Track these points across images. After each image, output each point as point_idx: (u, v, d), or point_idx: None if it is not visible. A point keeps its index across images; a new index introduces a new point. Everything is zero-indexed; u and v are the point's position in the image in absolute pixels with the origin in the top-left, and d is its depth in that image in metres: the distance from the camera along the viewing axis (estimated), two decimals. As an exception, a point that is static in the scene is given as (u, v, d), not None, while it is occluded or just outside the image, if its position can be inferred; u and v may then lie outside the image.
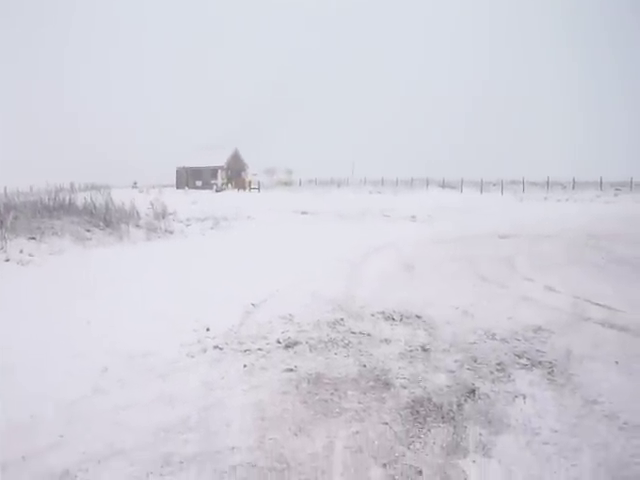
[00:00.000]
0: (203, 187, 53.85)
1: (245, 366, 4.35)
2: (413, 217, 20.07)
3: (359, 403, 3.64)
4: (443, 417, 3.43)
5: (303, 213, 22.12)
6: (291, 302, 6.41)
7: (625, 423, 3.32)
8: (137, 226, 13.40)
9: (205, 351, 4.72)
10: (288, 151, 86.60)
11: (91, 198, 13.48)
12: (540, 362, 4.41)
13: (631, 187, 41.88)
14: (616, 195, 36.69)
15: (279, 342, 4.94)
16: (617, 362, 4.38)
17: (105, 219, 12.63)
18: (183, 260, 9.79)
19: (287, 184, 56.95)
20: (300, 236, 14.06)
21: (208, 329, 5.27)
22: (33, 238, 10.13)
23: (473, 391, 3.81)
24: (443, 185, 46.70)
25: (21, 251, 9.26)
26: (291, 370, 4.26)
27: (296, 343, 4.90)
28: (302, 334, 5.18)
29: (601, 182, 43.03)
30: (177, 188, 53.33)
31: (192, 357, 4.59)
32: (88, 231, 11.76)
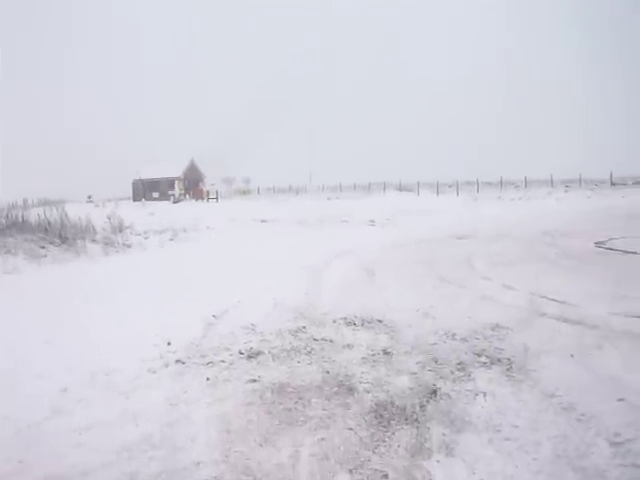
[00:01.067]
0: (160, 198, 53.30)
1: (208, 379, 4.31)
2: (372, 221, 20.23)
3: (323, 410, 3.65)
4: (407, 419, 3.47)
5: (262, 221, 22.06)
6: (253, 312, 6.37)
7: (582, 414, 3.42)
8: (94, 241, 13.12)
9: (167, 366, 4.66)
10: (245, 160, 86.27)
11: (45, 214, 13.15)
12: (499, 359, 4.50)
13: (580, 183, 43.45)
14: (566, 192, 37.98)
15: (242, 353, 4.91)
16: (572, 355, 4.51)
17: (60, 235, 12.32)
18: (141, 274, 9.65)
19: (245, 193, 56.90)
20: (260, 245, 14.02)
21: (169, 343, 5.20)
22: (-16, 258, 9.84)
23: (435, 392, 3.86)
24: (400, 188, 47.27)
25: (-28, 271, 8.99)
26: (255, 381, 4.24)
27: (259, 353, 4.88)
28: (265, 344, 5.17)
29: (552, 180, 44.47)
30: (134, 200, 52.59)
31: (154, 372, 4.52)
32: (43, 248, 11.45)
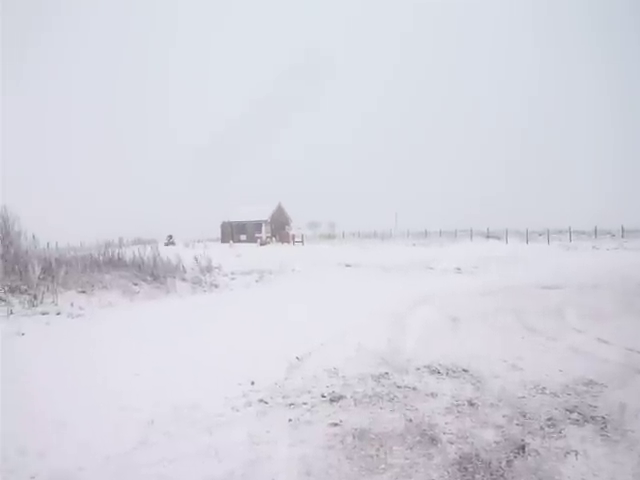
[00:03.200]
0: (247, 241, 54.72)
1: (290, 420, 4.34)
2: (458, 269, 19.84)
3: (405, 459, 3.59)
4: (492, 474, 3.35)
5: (347, 266, 22.12)
6: (336, 355, 6.39)
7: (684, 481, 3.18)
8: (183, 280, 13.66)
9: (250, 405, 4.74)
10: (331, 204, 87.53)
11: (139, 252, 13.86)
12: (592, 417, 4.27)
13: (685, 234, 40.75)
14: (671, 242, 35.66)
15: (324, 396, 4.93)
16: (675, 417, 4.21)
17: (152, 273, 12.94)
18: (228, 313, 9.90)
19: (330, 237, 57.38)
20: (344, 289, 14.05)
21: (253, 383, 5.30)
22: (83, 292, 10.47)
23: (523, 447, 3.71)
24: (487, 236, 46.21)
25: (72, 304, 9.57)
26: (336, 425, 4.23)
27: (341, 397, 4.88)
28: (347, 388, 5.16)
29: (651, 229, 42.00)
30: (222, 242, 54.20)
31: (237, 411, 4.61)
32: (136, 285, 12.06)
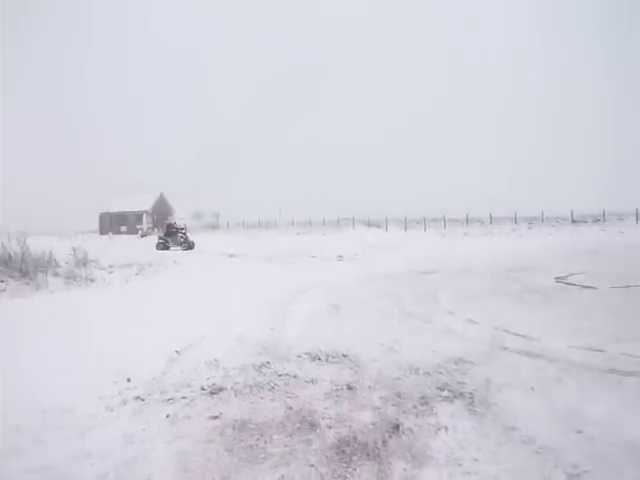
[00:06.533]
0: (128, 232, 52.85)
1: (168, 416, 4.22)
2: (340, 257, 20.29)
3: (285, 447, 3.60)
4: (369, 454, 3.44)
5: (231, 256, 21.95)
6: (217, 347, 6.29)
7: (541, 447, 3.45)
8: (56, 275, 12.85)
9: (126, 403, 4.55)
10: (215, 195, 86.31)
11: (2, 246, 12.82)
12: (461, 393, 4.51)
13: (542, 220, 44.66)
14: (529, 228, 39.11)
15: (204, 389, 4.83)
16: (533, 388, 4.56)
17: (21, 269, 12.06)
18: (104, 309, 9.45)
19: (215, 227, 56.77)
20: (227, 279, 13.92)
21: (129, 380, 5.09)
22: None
23: (397, 426, 3.85)
24: (369, 224, 47.70)
25: None
26: (216, 417, 4.17)
27: (221, 389, 4.81)
28: (227, 379, 5.10)
29: (515, 217, 45.65)
30: (100, 234, 52.00)
31: (112, 410, 4.41)
32: (2, 282, 11.20)
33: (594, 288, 10.20)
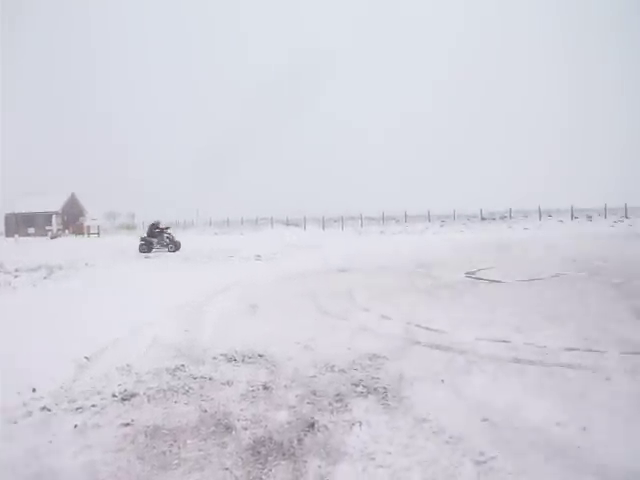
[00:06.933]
0: (37, 234, 50.45)
1: (76, 426, 4.06)
2: (258, 256, 20.17)
3: (199, 451, 3.55)
4: (284, 454, 3.45)
5: (145, 257, 21.39)
6: (129, 352, 6.10)
7: (451, 437, 3.58)
8: (-47, 281, 12.08)
9: (30, 414, 4.33)
10: (130, 194, 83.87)
11: None
12: (375, 388, 4.61)
13: (454, 218, 46.65)
14: (442, 226, 40.82)
15: (115, 396, 4.68)
16: (443, 380, 4.73)
17: None
18: (6, 315, 8.95)
19: (130, 228, 55.18)
20: (142, 281, 13.51)
21: (34, 390, 4.85)
22: None
23: (312, 424, 3.88)
24: (287, 223, 47.88)
25: None
26: (127, 425, 4.04)
27: (133, 395, 4.67)
28: (140, 384, 4.96)
29: (429, 215, 47.34)
30: (6, 236, 49.26)
31: (15, 423, 4.18)
32: None
33: (501, 282, 10.70)
